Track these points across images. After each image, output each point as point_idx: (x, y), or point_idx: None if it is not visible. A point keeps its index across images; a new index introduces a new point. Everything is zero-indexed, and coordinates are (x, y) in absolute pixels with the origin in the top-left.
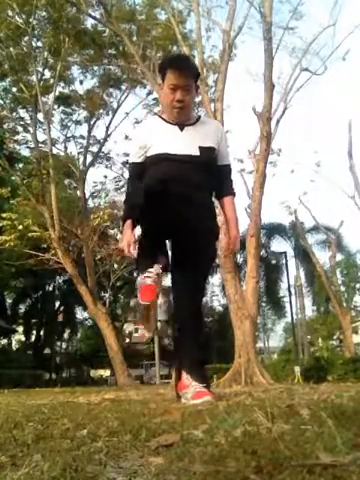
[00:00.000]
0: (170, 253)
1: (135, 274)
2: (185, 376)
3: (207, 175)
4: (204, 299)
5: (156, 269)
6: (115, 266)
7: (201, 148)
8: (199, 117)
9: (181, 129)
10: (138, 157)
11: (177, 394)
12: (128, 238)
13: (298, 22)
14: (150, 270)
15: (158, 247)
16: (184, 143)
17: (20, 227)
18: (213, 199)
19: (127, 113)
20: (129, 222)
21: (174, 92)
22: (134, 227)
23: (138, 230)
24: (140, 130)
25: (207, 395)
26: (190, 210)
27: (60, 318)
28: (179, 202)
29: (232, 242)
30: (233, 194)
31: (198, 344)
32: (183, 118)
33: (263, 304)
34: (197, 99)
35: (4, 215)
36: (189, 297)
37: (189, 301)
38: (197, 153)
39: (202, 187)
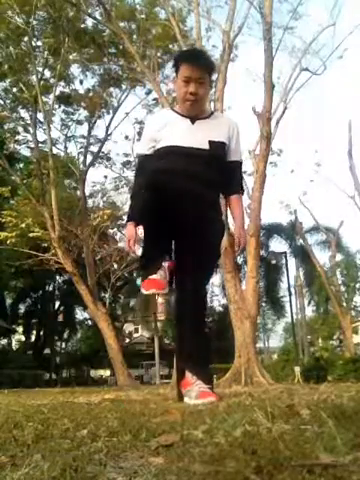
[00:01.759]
0: (173, 253)
1: (135, 274)
2: (189, 375)
3: (215, 170)
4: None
5: (164, 268)
6: (115, 266)
7: (211, 142)
8: (213, 112)
9: (192, 122)
10: (147, 149)
11: (179, 393)
12: (130, 233)
13: (297, 22)
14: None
15: (162, 245)
16: (194, 136)
17: (23, 225)
18: (220, 196)
19: (127, 113)
20: (132, 222)
21: (187, 85)
22: (137, 225)
23: (141, 229)
24: (151, 122)
25: (211, 396)
26: (196, 208)
27: (60, 318)
28: (184, 199)
29: (238, 241)
30: (241, 192)
31: (202, 344)
32: (196, 111)
33: (263, 304)
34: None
35: (5, 213)
36: (193, 298)
37: (193, 302)
38: (206, 147)
39: (209, 183)
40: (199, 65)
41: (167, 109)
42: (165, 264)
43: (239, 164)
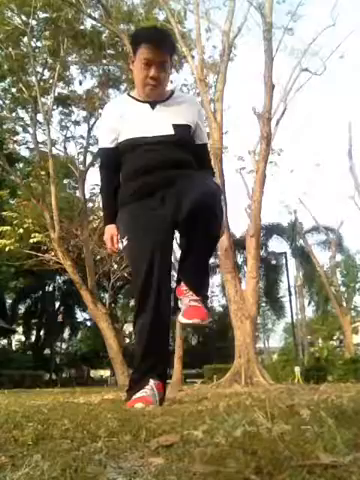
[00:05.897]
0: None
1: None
2: (183, 284)
3: (185, 154)
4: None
5: (151, 386)
6: (115, 267)
7: (175, 126)
8: (172, 92)
9: (152, 107)
10: (109, 142)
11: (176, 298)
12: (112, 232)
13: (297, 23)
14: (144, 390)
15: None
16: (156, 123)
17: (21, 231)
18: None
19: None
20: (112, 226)
21: (148, 68)
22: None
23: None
24: (109, 111)
25: (196, 317)
26: (178, 184)
27: (60, 318)
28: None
29: None
30: (212, 174)
31: (203, 262)
32: (156, 96)
33: (263, 304)
34: (171, 76)
35: (4, 213)
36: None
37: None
38: (171, 132)
39: (184, 165)
40: (161, 48)
41: (124, 96)
42: (153, 383)
43: (206, 146)
